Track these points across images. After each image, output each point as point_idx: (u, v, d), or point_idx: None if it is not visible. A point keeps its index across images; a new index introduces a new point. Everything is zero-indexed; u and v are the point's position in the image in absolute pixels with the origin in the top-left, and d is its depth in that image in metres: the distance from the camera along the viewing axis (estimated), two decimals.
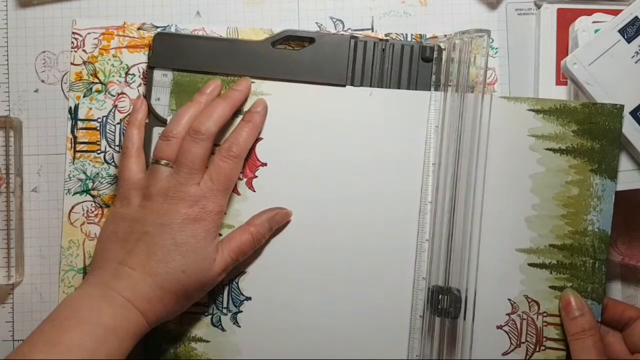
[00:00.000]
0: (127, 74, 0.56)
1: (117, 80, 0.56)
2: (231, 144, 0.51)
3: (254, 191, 0.54)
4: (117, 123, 0.56)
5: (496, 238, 0.53)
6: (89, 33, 0.57)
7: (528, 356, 0.52)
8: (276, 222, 0.53)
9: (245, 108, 0.54)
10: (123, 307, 0.46)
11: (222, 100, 0.52)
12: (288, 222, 0.53)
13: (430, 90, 0.54)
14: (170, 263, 0.48)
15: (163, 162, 0.50)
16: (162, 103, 0.55)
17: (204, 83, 0.54)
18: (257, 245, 0.52)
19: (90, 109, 0.56)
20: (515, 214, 0.53)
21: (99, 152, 0.56)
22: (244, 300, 0.53)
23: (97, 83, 0.56)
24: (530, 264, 0.52)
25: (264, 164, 0.54)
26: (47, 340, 0.44)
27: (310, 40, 0.55)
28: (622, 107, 0.51)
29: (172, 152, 0.50)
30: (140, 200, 0.49)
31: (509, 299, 0.53)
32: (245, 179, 0.54)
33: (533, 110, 0.53)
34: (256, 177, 0.54)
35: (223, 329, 0.53)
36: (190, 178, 0.49)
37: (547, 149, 0.53)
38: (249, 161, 0.54)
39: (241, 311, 0.53)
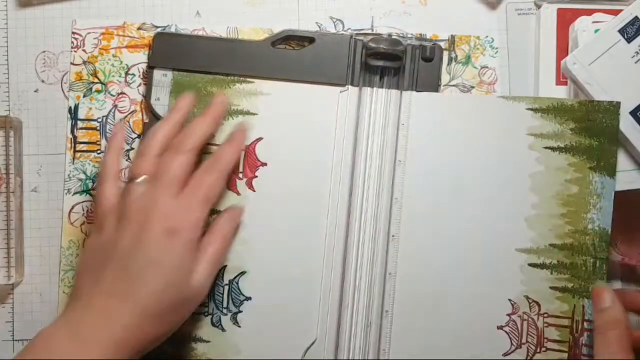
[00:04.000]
0: (127, 73, 0.56)
1: (117, 80, 0.56)
2: (215, 160, 0.50)
3: (254, 191, 0.54)
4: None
5: (496, 238, 0.53)
6: (88, 33, 0.57)
7: (529, 357, 0.52)
8: (234, 220, 0.52)
9: (248, 108, 0.54)
10: (96, 343, 0.43)
11: (201, 118, 0.51)
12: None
13: (430, 90, 0.54)
14: (149, 284, 0.44)
15: (138, 179, 0.47)
16: (162, 103, 0.55)
17: (204, 83, 0.54)
18: (229, 247, 0.51)
19: (90, 108, 0.56)
20: (515, 214, 0.53)
21: (99, 152, 0.56)
22: (244, 301, 0.53)
23: (97, 83, 0.56)
24: (530, 264, 0.52)
25: (264, 164, 0.54)
26: None
27: (310, 40, 0.55)
28: (618, 103, 0.51)
29: (147, 167, 0.48)
30: (115, 224, 0.47)
31: (509, 300, 0.52)
32: (245, 179, 0.54)
33: (531, 109, 0.53)
34: (256, 176, 0.54)
35: (223, 329, 0.53)
36: (167, 190, 0.47)
37: (546, 148, 0.53)
38: (249, 161, 0.54)
39: (241, 311, 0.53)
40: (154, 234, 0.45)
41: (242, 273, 0.53)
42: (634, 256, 0.55)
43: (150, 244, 0.45)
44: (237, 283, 0.53)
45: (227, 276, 0.53)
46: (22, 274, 0.56)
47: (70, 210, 0.56)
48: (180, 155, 0.48)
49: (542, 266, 0.52)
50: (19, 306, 0.56)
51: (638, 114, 0.52)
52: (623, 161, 0.52)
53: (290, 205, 0.54)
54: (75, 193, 0.56)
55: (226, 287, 0.53)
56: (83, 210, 0.56)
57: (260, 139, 0.54)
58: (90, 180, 0.56)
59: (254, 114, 0.54)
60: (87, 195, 0.56)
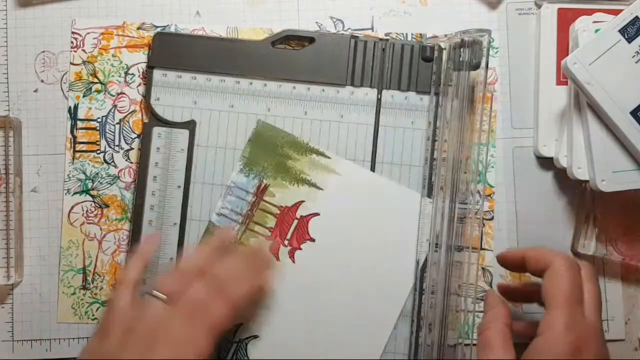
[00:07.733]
0: (126, 73, 0.56)
1: (117, 80, 0.56)
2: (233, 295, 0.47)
3: (294, 262, 0.53)
4: (117, 123, 0.56)
5: None
6: (88, 33, 0.56)
7: None
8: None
9: (316, 181, 0.54)
10: None
11: (238, 258, 0.49)
12: None
13: (430, 92, 0.54)
14: None
15: (161, 295, 0.46)
16: (161, 103, 0.55)
17: (282, 142, 0.54)
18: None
19: (90, 108, 0.56)
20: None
21: (98, 152, 0.56)
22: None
23: (96, 83, 0.56)
24: None
25: (312, 239, 0.54)
26: None
27: (310, 40, 0.55)
28: None
29: (175, 290, 0.46)
30: (121, 335, 0.45)
31: None
32: (289, 247, 0.53)
33: None
34: (300, 249, 0.53)
35: None
36: (187, 323, 0.45)
37: None
38: (299, 232, 0.53)
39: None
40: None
41: (254, 337, 0.53)
42: (634, 256, 0.55)
43: None
44: (246, 345, 0.53)
45: (238, 334, 0.52)
46: (22, 274, 0.56)
47: (70, 211, 0.56)
48: (221, 302, 0.46)
49: None
50: (19, 306, 0.56)
51: (638, 114, 0.51)
52: (623, 161, 0.52)
53: (323, 287, 0.53)
54: (74, 193, 0.56)
55: (234, 345, 0.53)
56: (82, 210, 0.56)
57: (316, 214, 0.53)
58: (90, 180, 0.56)
59: (320, 189, 0.54)
60: (87, 195, 0.56)
